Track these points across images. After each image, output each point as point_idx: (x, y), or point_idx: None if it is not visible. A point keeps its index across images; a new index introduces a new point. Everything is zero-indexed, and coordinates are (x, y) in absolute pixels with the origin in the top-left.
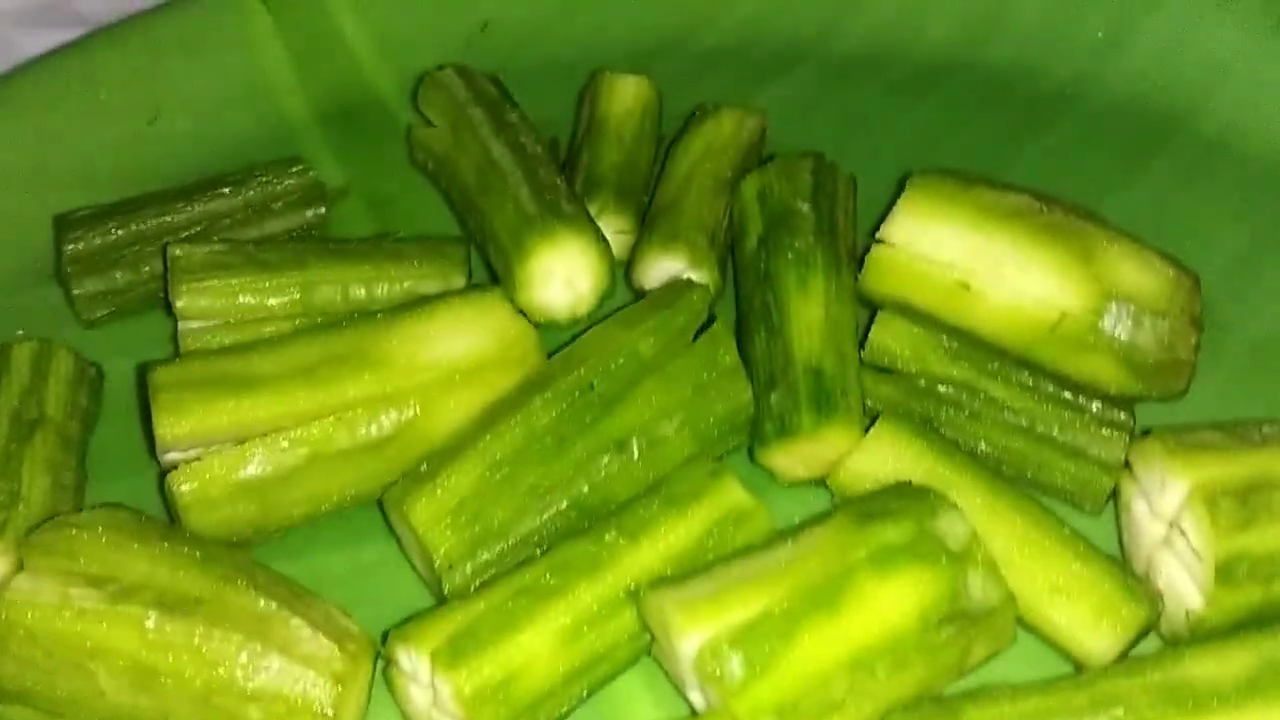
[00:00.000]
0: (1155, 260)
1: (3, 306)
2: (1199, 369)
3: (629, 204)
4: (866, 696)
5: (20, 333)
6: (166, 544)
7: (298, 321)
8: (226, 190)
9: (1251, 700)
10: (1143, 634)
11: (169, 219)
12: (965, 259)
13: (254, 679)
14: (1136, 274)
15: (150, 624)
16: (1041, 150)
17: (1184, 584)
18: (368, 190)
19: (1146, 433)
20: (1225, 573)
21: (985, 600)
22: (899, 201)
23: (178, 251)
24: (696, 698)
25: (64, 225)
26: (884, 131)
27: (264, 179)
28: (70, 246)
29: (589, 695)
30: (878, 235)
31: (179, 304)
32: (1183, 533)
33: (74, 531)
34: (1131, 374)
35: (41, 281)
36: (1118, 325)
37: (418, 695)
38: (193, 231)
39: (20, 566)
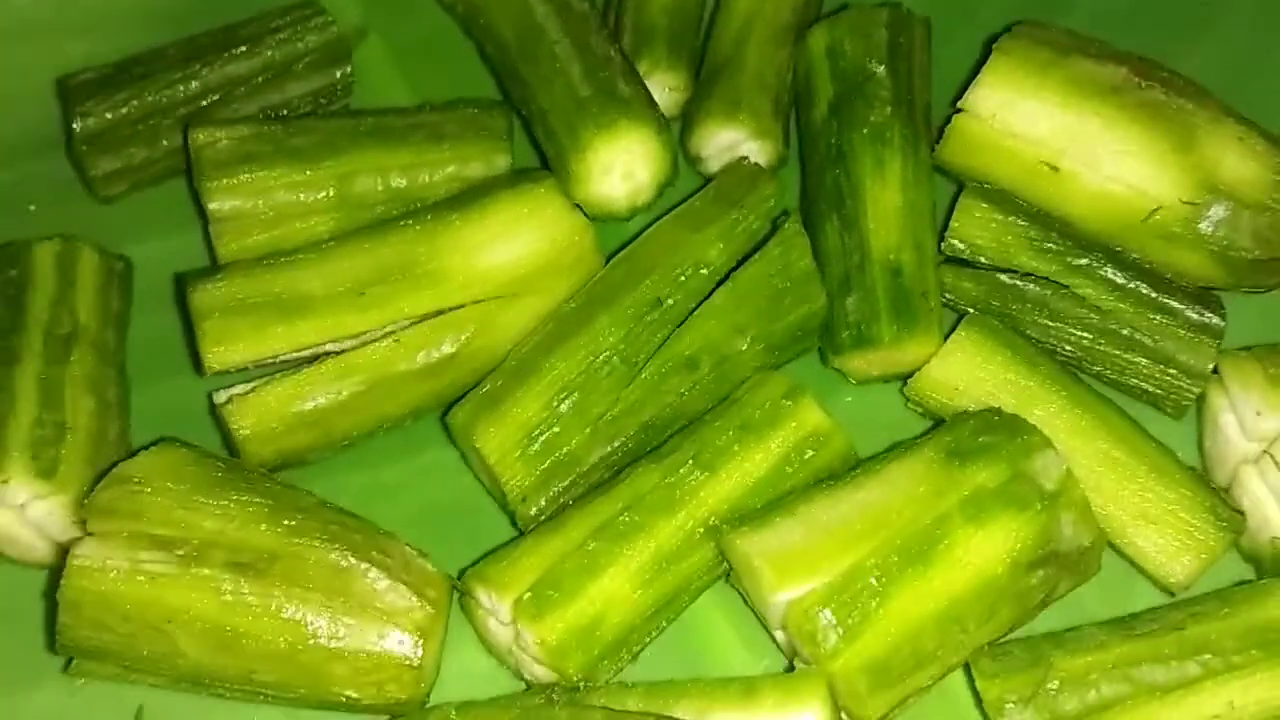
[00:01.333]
0: (1260, 147)
1: (8, 180)
2: None
3: (682, 56)
4: (955, 646)
5: (32, 208)
6: (233, 494)
7: (336, 215)
8: (243, 50)
9: None
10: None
11: (183, 87)
12: (1055, 139)
13: (337, 637)
14: (1239, 164)
15: (226, 587)
16: None
17: (1272, 510)
18: (389, 33)
19: (1245, 349)
20: None
21: (1077, 541)
22: (985, 68)
23: (201, 138)
24: (779, 635)
25: (70, 94)
26: None
27: (282, 35)
28: (80, 122)
29: (668, 625)
30: (960, 104)
31: (211, 206)
32: (1276, 463)
33: (136, 487)
34: (1225, 270)
35: (46, 150)
36: (1214, 221)
37: (498, 629)
38: (210, 100)
39: (80, 506)
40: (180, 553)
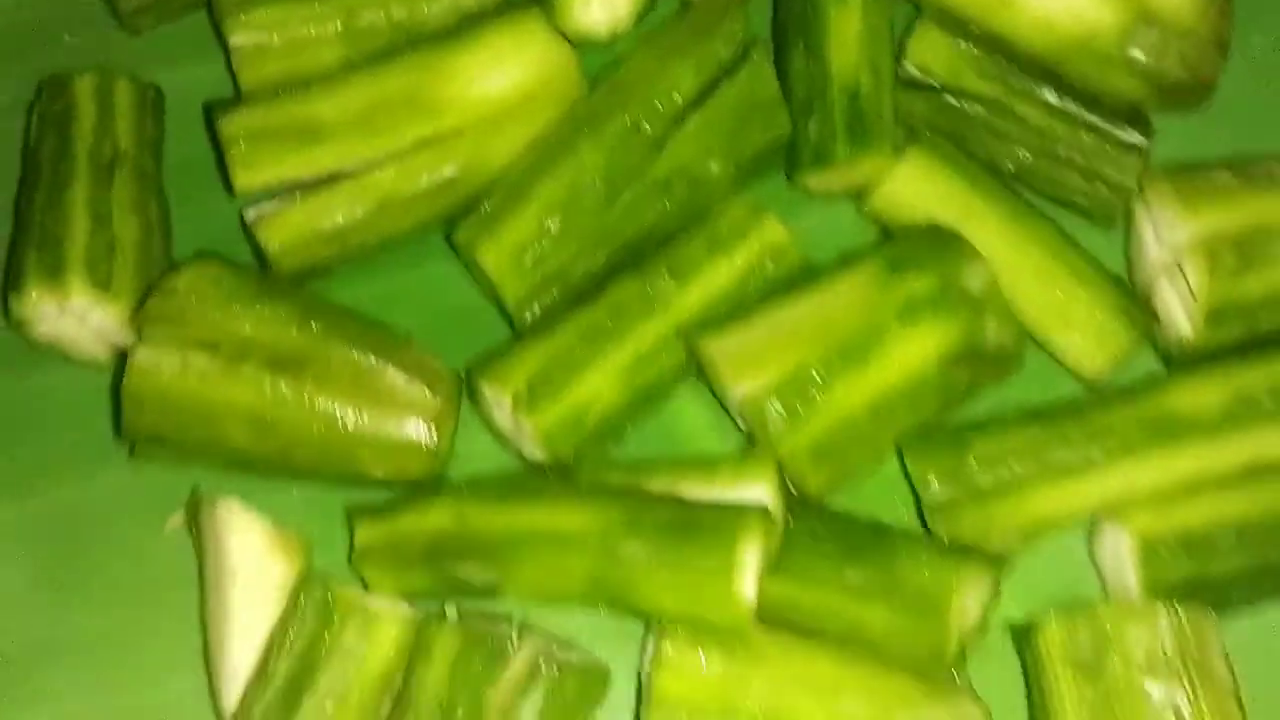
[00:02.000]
0: None
1: (41, 12)
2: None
3: None
4: (886, 430)
5: (67, 38)
6: (267, 301)
7: (344, 46)
8: None
9: (1226, 430)
10: (1134, 353)
11: None
12: None
13: (362, 426)
14: None
15: (265, 384)
16: None
17: (1178, 313)
18: None
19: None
20: (1215, 315)
21: (999, 340)
22: None
23: None
24: (741, 425)
25: None
26: None
27: None
28: None
29: (647, 415)
30: None
31: (232, 40)
32: (1182, 271)
33: (181, 298)
34: (1153, 91)
35: None
36: (1144, 45)
37: (501, 418)
38: None
39: (134, 315)
40: (223, 353)
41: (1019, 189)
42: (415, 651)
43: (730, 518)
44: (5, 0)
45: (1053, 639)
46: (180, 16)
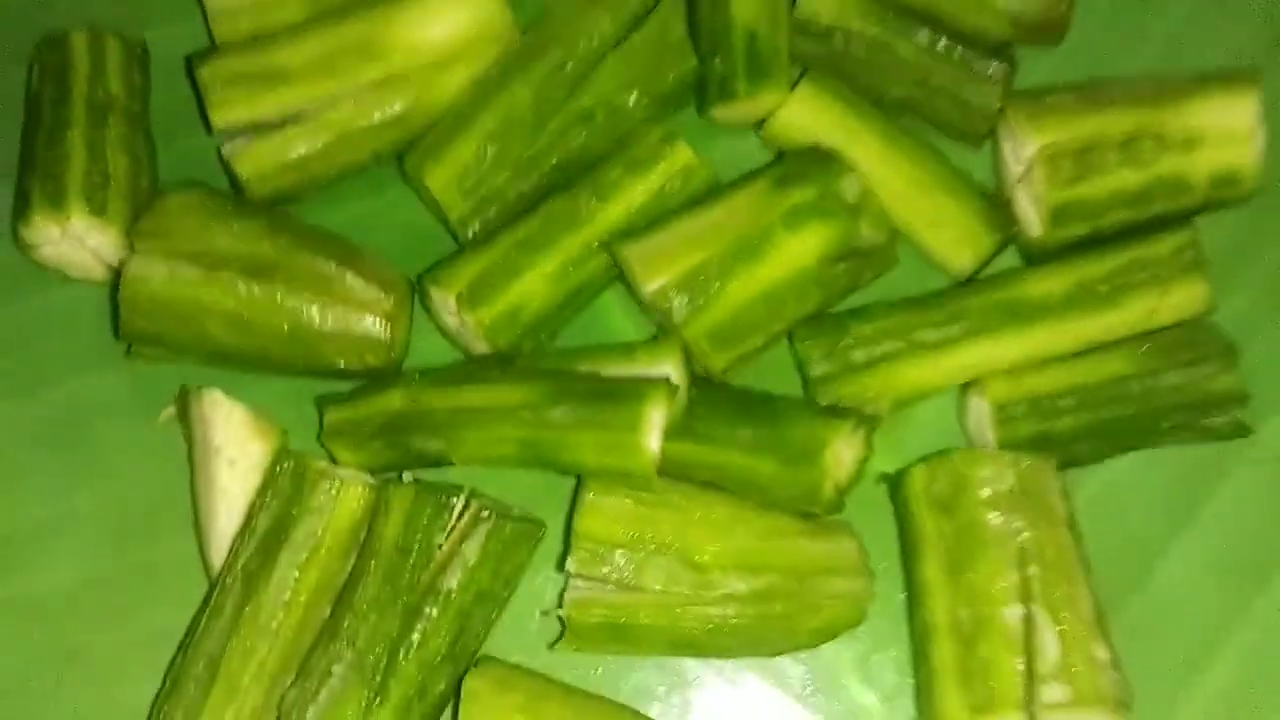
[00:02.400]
0: None
1: None
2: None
3: None
4: (777, 319)
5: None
6: (241, 219)
7: (307, 6)
8: None
9: (1068, 312)
10: (1000, 249)
11: None
12: None
13: (326, 323)
14: None
15: (240, 288)
16: None
17: (1030, 216)
18: None
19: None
20: (1058, 216)
21: (873, 240)
22: None
23: None
24: (655, 318)
25: None
26: None
27: None
28: None
29: (575, 313)
30: None
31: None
32: (1031, 179)
33: (169, 217)
34: (1016, 29)
35: None
36: None
37: (448, 318)
38: None
39: (126, 236)
40: (205, 263)
41: (899, 116)
42: (375, 509)
43: (639, 387)
44: None
45: (917, 483)
46: None
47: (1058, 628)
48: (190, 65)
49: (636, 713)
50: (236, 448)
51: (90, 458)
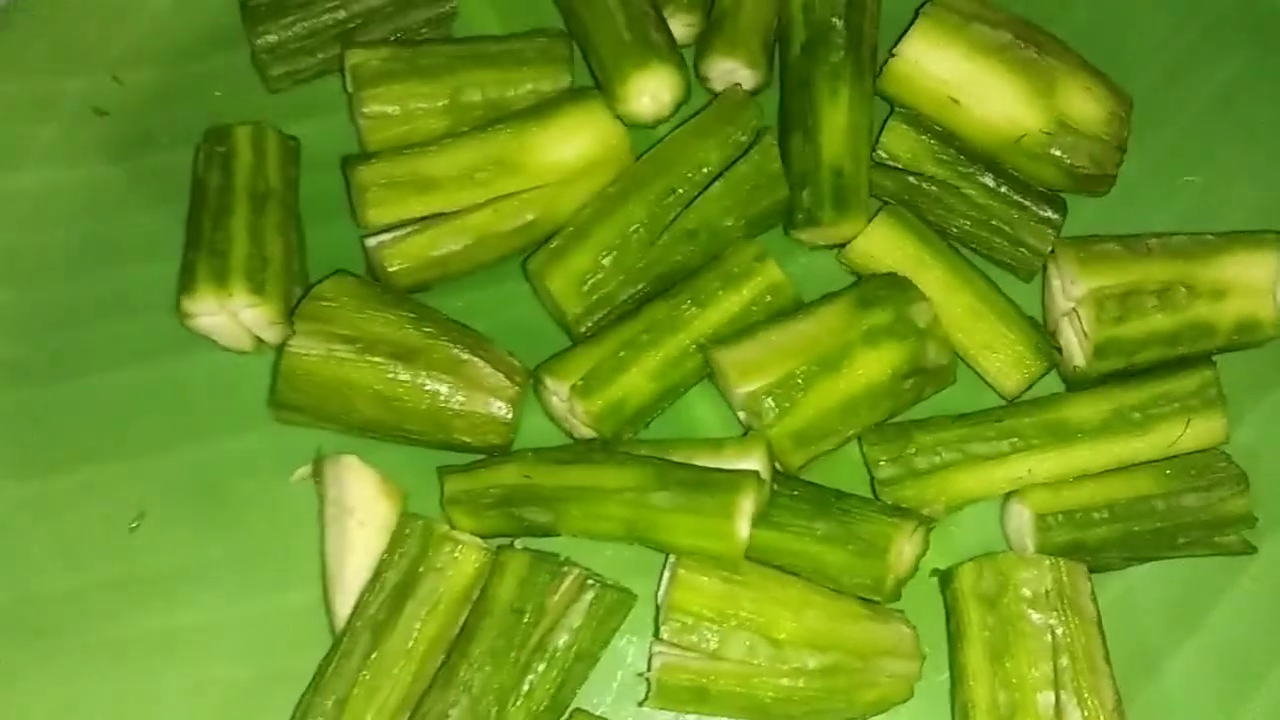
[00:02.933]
0: (1101, 93)
1: (200, 71)
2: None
3: (697, 2)
4: (851, 424)
5: (218, 93)
6: (390, 309)
7: (448, 117)
8: None
9: (1104, 435)
10: (1044, 375)
11: (334, 15)
12: (957, 81)
13: (457, 403)
14: (1083, 105)
15: (388, 370)
16: None
17: (1075, 348)
18: None
19: (1076, 237)
20: (1101, 351)
21: (937, 361)
22: (913, 27)
23: (356, 59)
24: (741, 415)
25: (251, 15)
26: None
27: None
28: (261, 39)
29: (669, 407)
30: (894, 51)
31: (364, 109)
32: (1079, 316)
33: (327, 302)
34: (1069, 180)
35: (227, 46)
36: (1063, 146)
37: (558, 405)
38: (353, 24)
39: (280, 313)
40: (358, 345)
41: (961, 248)
42: (490, 572)
43: (732, 478)
44: (175, 59)
45: (966, 580)
46: (310, 81)
47: (1083, 713)
48: (345, 166)
49: None
50: (367, 509)
51: (228, 509)
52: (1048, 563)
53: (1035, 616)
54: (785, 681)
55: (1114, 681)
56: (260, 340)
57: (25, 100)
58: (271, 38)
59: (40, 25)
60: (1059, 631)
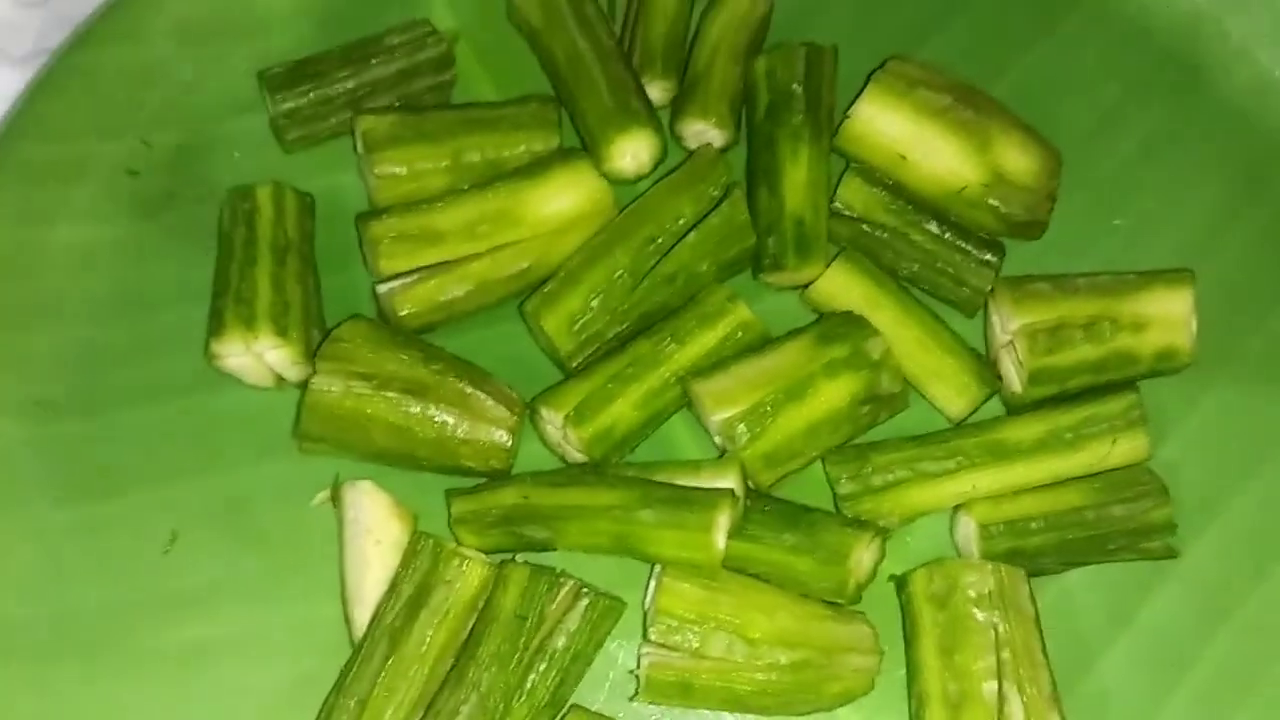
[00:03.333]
0: (1034, 148)
1: (221, 134)
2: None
3: (673, 68)
4: (814, 446)
5: (236, 154)
6: (401, 349)
7: (451, 176)
8: (382, 59)
9: (1039, 453)
10: (986, 400)
11: (344, 85)
12: (905, 139)
13: (464, 432)
14: (1017, 160)
15: (401, 404)
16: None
17: (1013, 376)
18: (474, 38)
19: (1011, 277)
20: (1035, 378)
21: (890, 388)
22: (864, 92)
23: (366, 126)
24: (717, 440)
25: (268, 84)
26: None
27: (410, 48)
28: (278, 106)
29: (653, 433)
30: (848, 113)
31: (375, 170)
32: (1015, 348)
33: (345, 344)
34: (1005, 226)
35: (245, 111)
36: (999, 196)
37: (553, 432)
38: (362, 92)
39: (300, 354)
40: (374, 382)
41: (911, 288)
42: (495, 584)
43: (710, 496)
44: (199, 123)
45: (919, 583)
46: (320, 144)
47: (1023, 699)
48: (359, 221)
49: None
50: (382, 529)
51: (255, 531)
52: (990, 568)
53: (980, 615)
54: (760, 676)
55: (1050, 673)
56: (280, 378)
57: (63, 162)
58: (288, 105)
59: (75, 94)
60: (1001, 628)
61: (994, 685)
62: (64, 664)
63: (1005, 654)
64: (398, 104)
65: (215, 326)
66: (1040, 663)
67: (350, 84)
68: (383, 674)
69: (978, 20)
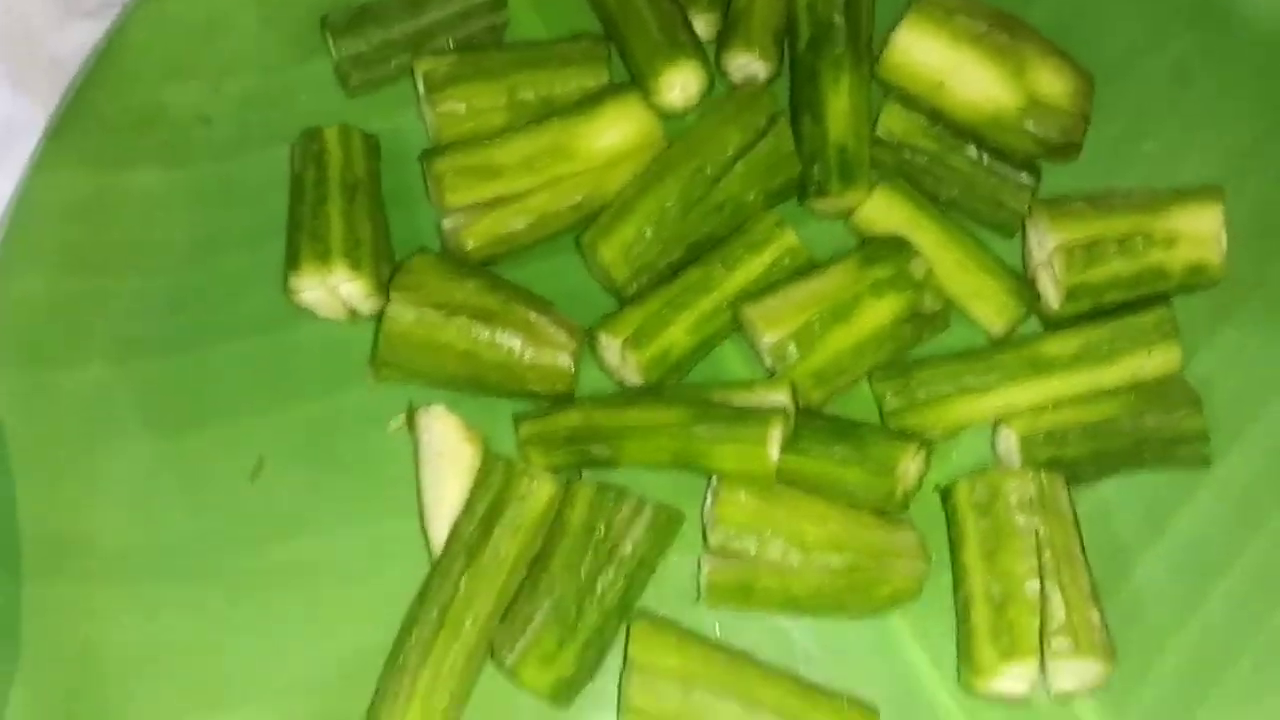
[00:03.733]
0: (1067, 72)
1: (287, 79)
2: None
3: (718, 3)
4: (861, 363)
5: (302, 98)
6: (468, 279)
7: (507, 113)
8: (436, 4)
9: (1076, 366)
10: (1025, 318)
11: (404, 27)
12: (942, 67)
13: (529, 357)
14: (1052, 83)
15: (471, 330)
16: None
17: (1050, 293)
18: None
19: (1047, 198)
20: (1071, 294)
21: (933, 307)
22: (903, 21)
23: (426, 67)
24: (767, 361)
25: (332, 29)
26: None
27: None
28: (342, 50)
29: (706, 356)
30: (888, 41)
31: (436, 109)
32: (1052, 266)
33: (416, 274)
34: (1041, 149)
35: (310, 57)
36: (1034, 118)
37: (611, 357)
38: (422, 35)
39: (380, 287)
40: (444, 310)
41: (950, 212)
42: (563, 500)
43: (764, 412)
44: (266, 70)
45: (962, 492)
46: (382, 87)
47: (1064, 597)
48: (423, 158)
49: (751, 656)
50: (455, 451)
51: (335, 456)
52: (1031, 474)
53: (1021, 519)
54: (814, 579)
55: (1090, 572)
56: (353, 311)
57: (138, 109)
58: (352, 49)
59: (147, 44)
60: (1041, 531)
61: (1036, 584)
62: (165, 587)
63: (1046, 555)
64: (454, 46)
65: (292, 262)
66: (1080, 563)
67: (409, 27)
68: (461, 585)
69: None
